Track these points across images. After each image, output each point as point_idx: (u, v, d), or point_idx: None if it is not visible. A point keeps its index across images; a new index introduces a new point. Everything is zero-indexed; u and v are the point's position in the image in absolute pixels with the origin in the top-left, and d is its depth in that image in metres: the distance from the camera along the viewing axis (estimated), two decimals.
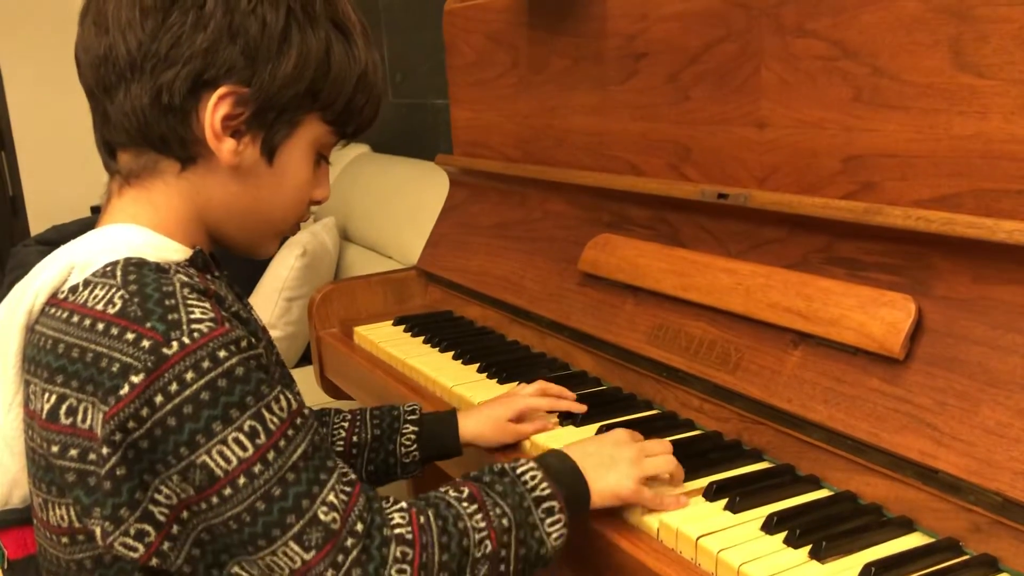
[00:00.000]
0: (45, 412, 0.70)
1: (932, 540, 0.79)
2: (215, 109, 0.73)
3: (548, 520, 0.79)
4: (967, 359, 0.80)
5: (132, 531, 0.69)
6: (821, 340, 0.91)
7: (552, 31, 1.36)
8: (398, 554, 0.71)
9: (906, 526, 0.81)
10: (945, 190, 0.85)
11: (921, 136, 0.86)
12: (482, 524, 0.76)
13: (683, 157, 1.15)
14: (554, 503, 0.79)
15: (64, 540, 0.73)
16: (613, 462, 0.86)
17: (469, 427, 1.03)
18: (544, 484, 0.80)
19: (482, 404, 1.08)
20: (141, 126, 0.74)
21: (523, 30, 1.43)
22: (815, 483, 0.90)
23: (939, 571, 0.75)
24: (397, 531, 0.72)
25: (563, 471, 0.83)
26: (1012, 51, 0.78)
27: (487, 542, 0.75)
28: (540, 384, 1.08)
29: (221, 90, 0.73)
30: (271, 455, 0.69)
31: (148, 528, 0.69)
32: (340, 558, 0.69)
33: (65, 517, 0.72)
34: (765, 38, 1.01)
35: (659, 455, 0.89)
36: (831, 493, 0.88)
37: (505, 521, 0.77)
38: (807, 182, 0.99)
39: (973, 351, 0.80)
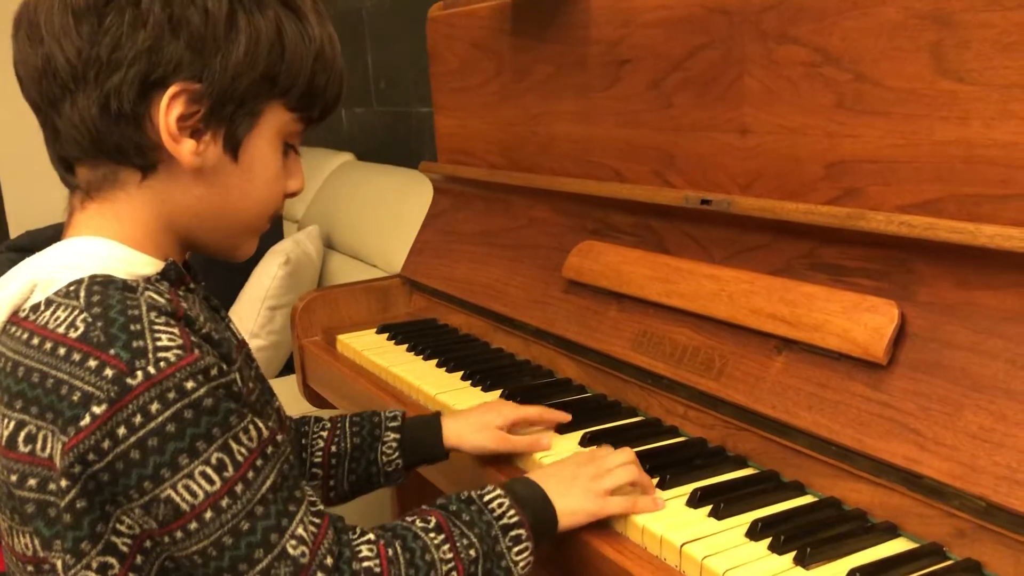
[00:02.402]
0: (4, 439, 0.68)
1: (916, 545, 0.79)
2: (168, 110, 0.70)
3: (515, 548, 0.79)
4: (950, 364, 0.80)
5: (95, 564, 0.67)
6: (805, 346, 0.91)
7: (535, 38, 1.36)
8: None
9: (890, 532, 0.81)
10: (927, 195, 0.85)
11: (903, 141, 0.87)
12: (449, 555, 0.75)
13: (667, 163, 1.15)
14: (521, 531, 0.79)
15: (30, 568, 0.71)
16: (574, 479, 0.85)
17: (453, 430, 1.01)
18: (511, 512, 0.80)
19: (469, 408, 1.06)
20: (93, 137, 0.71)
21: (506, 37, 1.42)
22: (799, 489, 0.90)
23: None
24: (366, 564, 0.71)
25: (529, 497, 0.83)
26: (992, 56, 0.78)
27: (454, 574, 0.75)
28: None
29: (172, 89, 0.69)
30: (239, 488, 0.66)
31: (112, 560, 0.67)
32: None
33: (29, 546, 0.70)
34: (747, 45, 1.01)
35: (617, 468, 0.87)
36: (815, 499, 0.88)
37: (472, 552, 0.76)
38: (790, 188, 0.99)
39: (956, 356, 0.80)
